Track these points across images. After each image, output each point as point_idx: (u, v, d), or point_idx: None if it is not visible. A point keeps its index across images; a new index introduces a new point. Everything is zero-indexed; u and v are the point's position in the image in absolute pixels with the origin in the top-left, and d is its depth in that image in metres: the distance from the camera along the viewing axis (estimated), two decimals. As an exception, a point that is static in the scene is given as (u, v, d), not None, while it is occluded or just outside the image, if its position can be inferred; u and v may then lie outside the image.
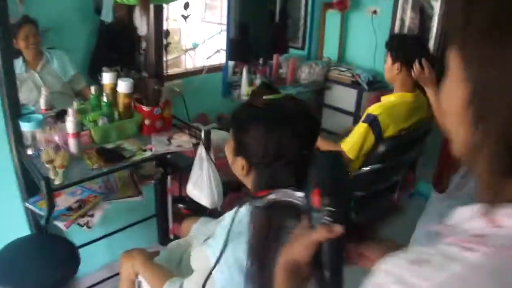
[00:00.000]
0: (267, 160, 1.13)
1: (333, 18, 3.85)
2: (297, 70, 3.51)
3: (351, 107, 3.67)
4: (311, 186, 0.80)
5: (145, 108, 2.25)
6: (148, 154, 2.08)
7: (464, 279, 0.47)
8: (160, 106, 2.27)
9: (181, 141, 2.26)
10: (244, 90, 2.99)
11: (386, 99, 2.57)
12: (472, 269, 0.47)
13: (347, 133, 2.59)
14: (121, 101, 2.21)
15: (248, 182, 1.22)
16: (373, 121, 2.46)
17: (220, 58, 3.16)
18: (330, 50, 3.94)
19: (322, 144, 2.43)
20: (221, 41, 3.12)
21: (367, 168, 2.56)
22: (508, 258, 0.47)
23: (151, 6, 2.26)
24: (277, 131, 1.12)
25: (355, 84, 3.60)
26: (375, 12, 3.72)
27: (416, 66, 2.35)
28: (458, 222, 0.56)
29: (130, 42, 2.46)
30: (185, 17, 2.78)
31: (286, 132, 1.12)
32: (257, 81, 3.05)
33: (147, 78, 2.38)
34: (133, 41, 2.46)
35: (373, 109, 2.50)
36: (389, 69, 2.53)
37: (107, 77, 2.21)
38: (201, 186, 2.10)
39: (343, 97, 3.70)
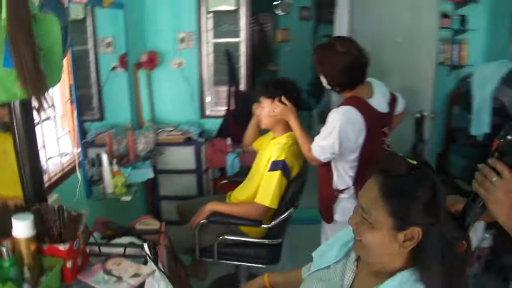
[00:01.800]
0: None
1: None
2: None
3: (191, 165, 3.42)
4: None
5: (62, 247, 1.53)
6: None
7: None
8: (78, 236, 1.59)
9: (123, 267, 1.65)
10: (109, 182, 2.39)
11: (279, 141, 2.50)
12: None
13: None
14: (26, 252, 1.45)
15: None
16: (284, 167, 2.39)
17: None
18: (144, 112, 3.59)
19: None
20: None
21: (285, 215, 2.44)
22: None
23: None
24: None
25: (189, 141, 3.38)
26: (180, 64, 3.59)
27: (277, 103, 2.37)
28: None
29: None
30: None
31: None
32: (115, 167, 2.49)
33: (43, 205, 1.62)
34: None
35: (277, 155, 2.41)
36: (269, 115, 2.48)
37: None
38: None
39: (178, 157, 3.42)
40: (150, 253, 1.72)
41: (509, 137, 1.02)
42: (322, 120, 2.27)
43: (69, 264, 1.54)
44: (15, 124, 1.58)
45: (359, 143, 2.10)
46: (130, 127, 3.15)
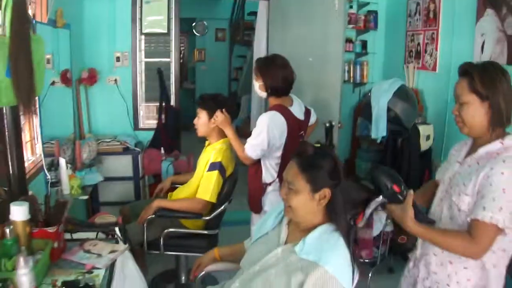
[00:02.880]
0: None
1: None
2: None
3: (128, 172, 3.72)
4: (389, 184, 1.54)
5: (50, 229, 1.82)
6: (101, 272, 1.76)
7: None
8: (62, 221, 1.90)
9: (100, 247, 1.97)
10: (66, 184, 2.65)
11: (215, 147, 2.90)
12: None
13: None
14: (23, 233, 1.73)
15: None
16: (220, 167, 2.80)
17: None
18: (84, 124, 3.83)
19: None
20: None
21: (222, 208, 2.86)
22: None
23: None
24: None
25: (127, 150, 3.68)
26: (115, 81, 3.89)
27: (219, 114, 2.75)
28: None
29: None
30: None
31: None
32: (69, 171, 2.75)
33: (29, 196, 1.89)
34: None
35: (214, 157, 2.81)
36: (205, 124, 2.86)
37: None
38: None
39: (118, 166, 3.70)
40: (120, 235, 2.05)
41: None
42: (240, 135, 2.74)
43: (55, 245, 1.83)
44: (6, 126, 1.86)
45: (282, 142, 2.61)
46: (73, 138, 3.39)
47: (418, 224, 1.51)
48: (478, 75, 1.51)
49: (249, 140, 2.63)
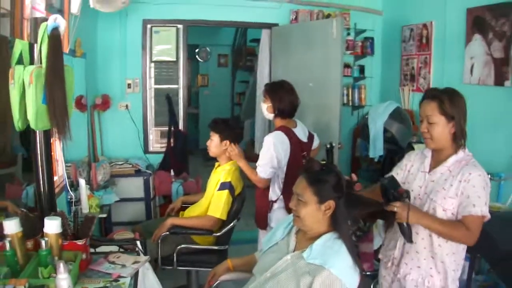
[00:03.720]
0: None
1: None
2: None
3: (140, 193, 3.89)
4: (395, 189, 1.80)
5: (79, 242, 1.99)
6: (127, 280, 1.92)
7: None
8: (90, 235, 2.07)
9: (123, 259, 2.13)
10: (85, 203, 2.83)
11: (225, 168, 3.08)
12: None
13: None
14: (56, 245, 1.90)
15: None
16: (230, 187, 2.99)
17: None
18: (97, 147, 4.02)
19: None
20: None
21: (231, 224, 3.03)
22: None
23: None
24: None
25: (138, 172, 3.87)
26: (126, 106, 4.11)
27: (231, 147, 2.95)
28: None
29: None
30: None
31: None
32: (88, 192, 2.93)
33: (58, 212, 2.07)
34: None
35: (224, 177, 3.00)
36: (217, 146, 3.06)
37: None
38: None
39: (130, 187, 3.87)
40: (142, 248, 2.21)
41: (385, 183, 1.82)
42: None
43: (84, 256, 2.00)
44: (38, 148, 2.04)
45: (285, 160, 2.79)
46: (87, 161, 3.58)
47: (425, 217, 1.82)
48: (448, 99, 1.85)
49: (258, 163, 2.82)
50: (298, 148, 2.88)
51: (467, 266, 2.70)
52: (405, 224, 1.81)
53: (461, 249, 1.92)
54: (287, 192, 2.83)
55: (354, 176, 1.92)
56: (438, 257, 1.90)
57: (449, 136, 1.88)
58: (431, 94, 1.90)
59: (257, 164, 2.83)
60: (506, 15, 3.13)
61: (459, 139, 1.88)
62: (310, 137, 3.03)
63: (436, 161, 1.95)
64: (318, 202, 1.68)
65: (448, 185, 1.85)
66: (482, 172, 1.82)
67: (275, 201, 2.90)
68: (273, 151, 2.75)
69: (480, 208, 1.76)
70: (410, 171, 2.05)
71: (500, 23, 3.19)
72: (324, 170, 1.73)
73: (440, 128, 1.86)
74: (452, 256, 1.90)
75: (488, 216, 1.79)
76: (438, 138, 1.88)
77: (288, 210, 2.31)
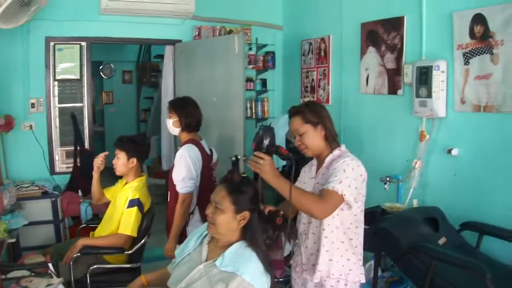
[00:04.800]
0: None
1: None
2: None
3: (48, 216, 3.80)
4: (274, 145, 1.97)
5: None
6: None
7: None
8: None
9: (36, 283, 2.12)
10: None
11: (132, 185, 3.14)
12: None
13: None
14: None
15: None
16: (139, 203, 3.06)
17: None
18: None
19: None
20: None
21: (142, 241, 3.10)
22: None
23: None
24: None
25: (46, 194, 3.77)
26: (31, 126, 4.00)
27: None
28: None
29: None
30: None
31: None
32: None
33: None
34: None
35: (132, 195, 3.06)
36: (124, 164, 3.12)
37: None
38: None
39: (38, 210, 3.76)
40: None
41: (260, 133, 1.95)
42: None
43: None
44: None
45: (198, 172, 2.91)
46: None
47: (281, 179, 1.91)
48: (307, 109, 2.10)
49: (176, 179, 2.90)
50: (206, 160, 3.04)
51: (373, 264, 2.94)
52: (260, 180, 1.91)
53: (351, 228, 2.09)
54: (200, 202, 2.96)
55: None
56: (329, 247, 2.07)
57: (321, 139, 2.10)
58: (293, 111, 2.15)
59: (174, 181, 2.91)
60: (396, 28, 3.42)
61: (331, 139, 2.10)
62: (211, 151, 3.22)
63: (320, 166, 2.15)
64: (235, 211, 1.78)
65: (326, 181, 2.00)
66: (351, 160, 1.99)
67: (192, 213, 2.99)
68: (189, 161, 2.87)
69: (340, 186, 1.89)
70: (304, 181, 2.26)
71: (391, 36, 3.47)
72: (244, 182, 1.86)
73: (310, 135, 2.09)
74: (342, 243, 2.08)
75: (348, 198, 1.91)
76: (312, 144, 2.10)
77: (204, 220, 2.37)
